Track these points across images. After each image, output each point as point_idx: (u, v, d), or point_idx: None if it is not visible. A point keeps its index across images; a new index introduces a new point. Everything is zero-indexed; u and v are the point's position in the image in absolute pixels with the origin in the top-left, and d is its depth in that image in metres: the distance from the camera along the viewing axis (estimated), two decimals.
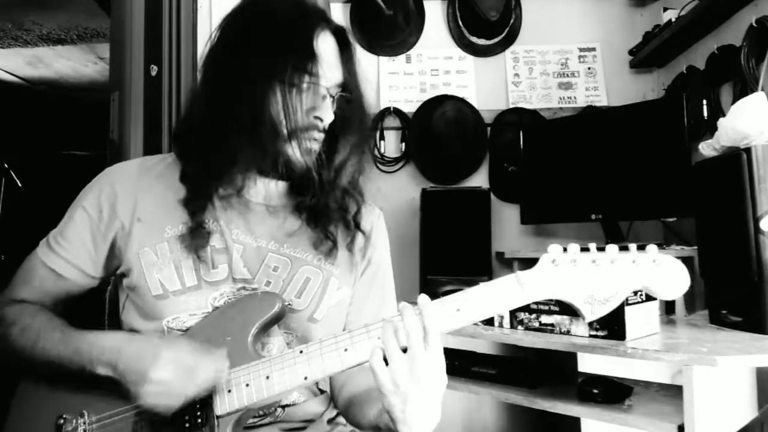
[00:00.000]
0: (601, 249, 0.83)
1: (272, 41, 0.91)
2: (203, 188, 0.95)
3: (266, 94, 0.90)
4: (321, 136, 0.96)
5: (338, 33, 0.98)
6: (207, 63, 0.98)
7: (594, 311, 0.81)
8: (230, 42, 0.96)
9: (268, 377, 0.85)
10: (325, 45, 0.94)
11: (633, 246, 0.82)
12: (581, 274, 0.82)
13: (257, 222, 0.98)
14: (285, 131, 0.91)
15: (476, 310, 0.83)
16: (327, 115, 0.94)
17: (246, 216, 0.98)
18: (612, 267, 0.81)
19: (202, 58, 0.99)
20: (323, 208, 0.98)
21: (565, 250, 0.84)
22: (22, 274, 1.00)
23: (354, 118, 0.99)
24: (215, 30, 0.99)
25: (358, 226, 1.03)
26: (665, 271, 0.80)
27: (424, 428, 0.80)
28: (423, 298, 0.81)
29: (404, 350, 0.79)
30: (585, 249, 0.84)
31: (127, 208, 0.96)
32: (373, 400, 0.91)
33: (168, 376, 0.81)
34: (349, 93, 0.98)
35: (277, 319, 0.93)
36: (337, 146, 0.99)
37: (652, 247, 0.81)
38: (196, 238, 0.93)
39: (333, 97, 0.95)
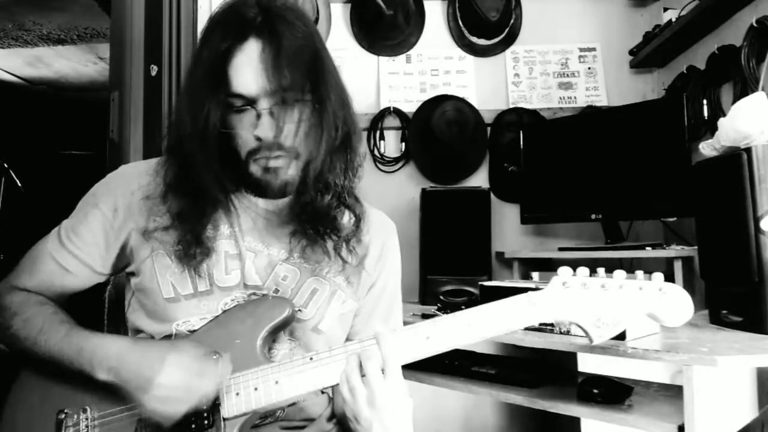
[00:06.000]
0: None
1: (198, 66, 0.90)
2: (196, 206, 0.94)
3: (208, 120, 0.87)
4: (278, 153, 0.90)
5: (268, 34, 0.87)
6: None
7: (602, 334, 0.84)
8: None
9: (277, 382, 0.86)
10: (243, 60, 0.86)
11: (639, 273, 0.85)
12: (591, 297, 0.84)
13: (269, 231, 0.99)
14: (240, 154, 0.91)
15: (488, 326, 0.86)
16: (264, 132, 0.87)
17: (258, 224, 0.99)
18: (620, 292, 0.84)
19: None
20: (323, 225, 0.96)
21: (574, 270, 0.87)
22: (28, 262, 1.00)
23: (310, 123, 0.91)
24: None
25: (355, 245, 1.02)
26: (670, 300, 0.83)
27: None
28: (379, 328, 0.84)
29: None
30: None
31: (142, 209, 0.96)
32: None
33: (174, 382, 0.81)
34: (293, 100, 0.88)
35: (286, 324, 0.93)
36: (308, 156, 0.93)
37: (657, 275, 0.84)
38: (198, 257, 0.93)
39: (281, 104, 0.88)
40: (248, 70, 0.86)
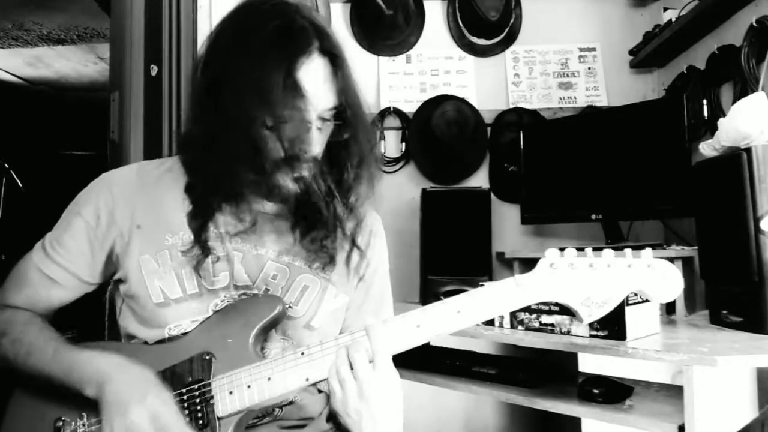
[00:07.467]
0: (597, 251, 0.85)
1: (253, 73, 0.85)
2: (208, 205, 0.94)
3: (252, 127, 0.86)
4: (309, 165, 0.91)
5: (328, 53, 0.90)
6: (199, 80, 0.93)
7: (591, 314, 0.84)
8: (216, 67, 0.91)
9: (269, 378, 0.86)
10: (311, 73, 0.87)
11: (628, 251, 0.84)
12: (579, 277, 0.84)
13: (257, 230, 0.98)
14: (276, 160, 0.88)
15: (477, 311, 0.85)
16: (313, 147, 0.89)
17: (246, 224, 0.97)
18: (608, 271, 0.83)
19: (196, 67, 0.95)
20: (321, 225, 0.96)
21: (562, 251, 0.86)
22: (15, 277, 0.99)
23: (351, 142, 0.94)
24: (205, 41, 0.95)
25: (354, 242, 1.02)
26: (659, 275, 0.82)
27: None
28: (369, 320, 0.85)
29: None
30: (581, 249, 0.85)
31: (125, 214, 0.95)
32: None
33: (143, 425, 0.80)
34: (342, 119, 0.92)
35: (277, 321, 0.93)
36: (336, 170, 0.95)
37: (646, 252, 0.83)
38: (199, 255, 0.92)
39: (326, 121, 0.91)
40: (320, 81, 0.88)
